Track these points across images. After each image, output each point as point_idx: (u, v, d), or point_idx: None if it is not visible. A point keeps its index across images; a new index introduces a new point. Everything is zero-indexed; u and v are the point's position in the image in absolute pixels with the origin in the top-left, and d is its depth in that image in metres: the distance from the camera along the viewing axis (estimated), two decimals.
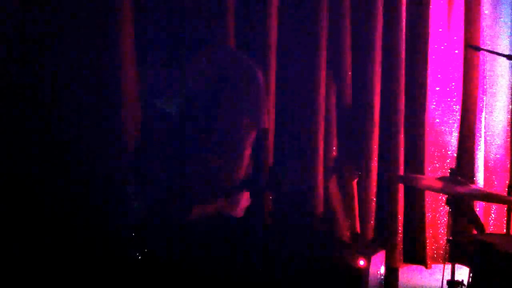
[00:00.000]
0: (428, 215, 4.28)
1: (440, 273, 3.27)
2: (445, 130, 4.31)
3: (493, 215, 4.33)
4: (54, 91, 3.02)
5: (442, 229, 4.31)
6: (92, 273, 2.94)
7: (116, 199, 3.06)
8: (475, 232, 3.59)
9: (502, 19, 4.31)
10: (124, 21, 3.13)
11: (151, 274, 2.90)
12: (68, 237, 2.99)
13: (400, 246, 4.17)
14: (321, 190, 3.80)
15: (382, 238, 4.10)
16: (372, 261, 3.37)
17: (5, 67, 2.92)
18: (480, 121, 4.32)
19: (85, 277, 2.95)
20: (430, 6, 4.16)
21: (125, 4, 3.12)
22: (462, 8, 4.25)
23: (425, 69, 4.19)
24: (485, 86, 4.31)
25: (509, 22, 4.30)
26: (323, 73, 3.83)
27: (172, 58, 3.29)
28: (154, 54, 3.28)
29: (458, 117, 4.32)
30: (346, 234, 3.89)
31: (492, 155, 4.37)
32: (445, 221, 4.29)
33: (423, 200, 4.24)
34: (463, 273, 3.25)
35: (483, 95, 4.31)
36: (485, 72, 4.30)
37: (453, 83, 4.30)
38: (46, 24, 2.98)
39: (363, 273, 3.29)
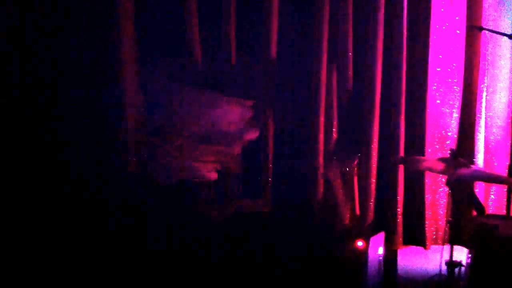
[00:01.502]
0: (428, 197, 4.27)
1: (439, 254, 3.28)
2: (445, 111, 4.28)
3: (493, 196, 4.32)
4: (53, 90, 3.02)
5: (441, 211, 4.30)
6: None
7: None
8: (474, 213, 3.58)
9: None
10: (125, 19, 3.12)
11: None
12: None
13: (399, 228, 4.17)
14: (321, 172, 3.80)
15: (382, 220, 4.10)
16: (371, 242, 3.37)
17: (4, 67, 2.91)
18: (481, 102, 4.28)
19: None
20: None
21: (125, 2, 3.10)
22: None
23: (426, 50, 4.15)
24: (486, 67, 4.27)
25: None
26: (324, 55, 3.82)
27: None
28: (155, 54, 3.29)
29: (459, 98, 4.28)
30: (346, 216, 3.89)
31: (493, 136, 4.34)
32: (444, 202, 4.28)
33: (422, 182, 4.22)
34: (461, 254, 3.26)
35: (484, 76, 4.27)
36: (486, 53, 4.26)
37: (454, 64, 4.26)
38: (45, 24, 2.97)
39: (362, 255, 3.29)
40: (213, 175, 3.33)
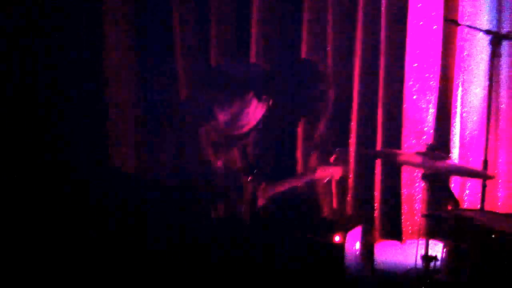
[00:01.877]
0: (404, 191, 4.30)
1: (415, 248, 3.29)
2: (422, 106, 4.31)
3: (468, 191, 4.37)
4: (50, 91, 2.99)
5: (417, 205, 4.34)
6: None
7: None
8: (450, 207, 3.61)
9: None
10: (119, 22, 3.10)
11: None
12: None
13: (376, 222, 4.19)
14: (300, 167, 3.80)
15: (359, 214, 4.12)
16: (348, 237, 3.38)
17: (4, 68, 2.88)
18: (457, 98, 4.32)
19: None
20: None
21: (120, 6, 3.08)
22: None
23: (404, 45, 4.17)
24: (463, 62, 4.31)
25: None
26: (303, 47, 3.82)
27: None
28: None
29: (435, 94, 4.31)
30: (324, 210, 3.89)
31: (468, 131, 4.38)
32: (420, 197, 4.32)
33: (399, 176, 4.25)
34: (437, 248, 3.28)
35: (461, 71, 4.31)
36: (463, 48, 4.29)
37: (431, 59, 4.29)
38: (43, 24, 2.95)
39: (339, 249, 3.29)
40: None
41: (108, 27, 3.15)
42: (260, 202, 3.23)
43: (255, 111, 3.15)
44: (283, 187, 3.37)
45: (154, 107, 3.33)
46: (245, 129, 3.22)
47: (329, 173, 3.50)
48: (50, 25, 3.00)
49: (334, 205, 4.01)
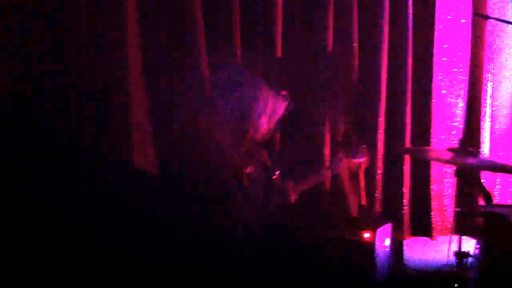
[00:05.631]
0: (433, 187, 4.26)
1: (445, 244, 3.27)
2: (451, 101, 4.27)
3: (499, 186, 4.31)
4: (56, 93, 3.01)
5: (447, 201, 4.29)
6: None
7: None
8: (482, 203, 3.57)
9: None
10: (129, 21, 3.10)
11: None
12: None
13: (406, 219, 4.16)
14: (328, 164, 3.79)
15: (388, 211, 4.09)
16: (378, 234, 3.36)
17: (8, 70, 2.90)
18: (487, 92, 4.27)
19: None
20: None
21: (129, 4, 3.08)
22: None
23: (432, 40, 4.13)
24: (492, 56, 4.25)
25: None
26: (329, 43, 3.80)
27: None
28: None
29: (465, 88, 4.26)
30: (354, 208, 3.88)
31: (498, 125, 4.33)
32: (449, 193, 4.28)
33: (428, 172, 4.21)
34: (469, 244, 3.24)
35: (490, 65, 4.25)
36: (492, 42, 4.23)
37: (460, 54, 4.24)
38: (48, 28, 2.96)
39: (369, 246, 3.28)
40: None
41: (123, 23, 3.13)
42: (291, 198, 3.23)
43: (274, 108, 3.16)
44: (310, 182, 3.37)
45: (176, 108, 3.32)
46: (267, 127, 3.23)
47: (353, 165, 3.48)
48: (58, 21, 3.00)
49: (363, 202, 3.99)
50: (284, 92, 3.32)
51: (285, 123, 3.50)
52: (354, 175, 3.95)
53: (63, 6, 2.98)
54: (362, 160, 3.60)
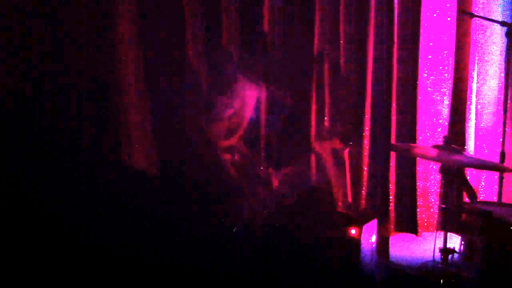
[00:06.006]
0: (419, 184, 4.28)
1: (431, 241, 3.28)
2: (436, 98, 4.29)
3: (483, 183, 4.34)
4: (56, 93, 3.00)
5: (432, 198, 4.31)
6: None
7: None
8: (467, 200, 3.60)
9: None
10: (129, 22, 3.09)
11: None
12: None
13: (391, 215, 4.17)
14: (313, 160, 3.80)
15: (374, 207, 4.10)
16: (364, 230, 3.38)
17: (8, 70, 2.89)
18: (472, 90, 4.29)
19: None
20: None
21: (129, 5, 3.07)
22: None
23: (417, 37, 4.14)
24: (477, 54, 4.28)
25: None
26: (315, 42, 3.80)
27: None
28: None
29: (450, 86, 4.28)
30: (339, 204, 3.89)
31: (483, 123, 4.35)
32: (435, 190, 4.29)
33: (414, 169, 4.23)
34: (454, 241, 3.27)
35: (476, 63, 4.28)
36: (477, 40, 4.26)
37: (445, 51, 4.25)
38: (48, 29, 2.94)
39: (355, 242, 3.29)
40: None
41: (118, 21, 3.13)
42: (276, 186, 3.23)
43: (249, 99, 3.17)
44: (291, 169, 3.36)
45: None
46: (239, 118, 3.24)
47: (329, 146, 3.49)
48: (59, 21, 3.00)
49: (349, 199, 4.00)
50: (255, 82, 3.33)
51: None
52: (339, 171, 3.97)
53: (63, 6, 2.97)
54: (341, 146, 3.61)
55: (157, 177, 3.23)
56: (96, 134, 3.11)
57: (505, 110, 3.43)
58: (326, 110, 4.02)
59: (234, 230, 3.09)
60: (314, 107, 3.87)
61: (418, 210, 4.26)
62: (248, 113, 3.32)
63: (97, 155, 3.10)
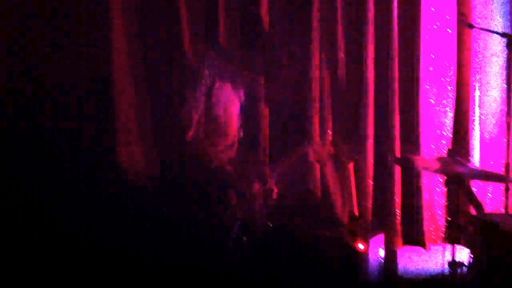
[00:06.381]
0: (425, 197, 4.26)
1: (439, 254, 3.26)
2: (439, 110, 4.28)
3: (490, 195, 4.32)
4: (56, 93, 3.01)
5: (439, 211, 4.29)
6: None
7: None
8: (473, 212, 3.58)
9: None
10: (129, 22, 3.11)
11: None
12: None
13: (398, 228, 4.15)
14: (317, 174, 3.80)
15: (380, 221, 4.09)
16: (370, 244, 3.36)
17: (8, 70, 2.90)
18: (474, 101, 4.29)
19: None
20: None
21: (129, 5, 3.09)
22: None
23: (418, 49, 4.15)
24: (479, 65, 4.28)
25: (501, 0, 4.26)
26: (316, 56, 3.82)
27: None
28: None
29: (453, 97, 4.28)
30: (345, 218, 3.87)
31: (487, 134, 4.34)
32: (442, 202, 4.28)
33: (419, 181, 4.21)
34: (463, 254, 3.24)
35: (477, 74, 4.28)
36: (478, 51, 4.26)
37: (447, 63, 4.26)
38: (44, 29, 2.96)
39: (362, 257, 3.28)
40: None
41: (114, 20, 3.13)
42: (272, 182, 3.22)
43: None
44: (283, 166, 3.35)
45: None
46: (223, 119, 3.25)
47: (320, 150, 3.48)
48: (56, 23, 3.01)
49: (356, 212, 3.99)
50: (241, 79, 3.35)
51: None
52: (344, 185, 3.96)
53: (63, 6, 2.99)
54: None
55: (157, 177, 3.22)
56: (96, 134, 3.11)
57: (508, 121, 3.42)
58: (326, 110, 4.02)
59: (243, 240, 3.08)
60: (314, 107, 3.88)
61: (425, 223, 4.24)
62: (234, 117, 3.31)
63: (97, 155, 3.10)
